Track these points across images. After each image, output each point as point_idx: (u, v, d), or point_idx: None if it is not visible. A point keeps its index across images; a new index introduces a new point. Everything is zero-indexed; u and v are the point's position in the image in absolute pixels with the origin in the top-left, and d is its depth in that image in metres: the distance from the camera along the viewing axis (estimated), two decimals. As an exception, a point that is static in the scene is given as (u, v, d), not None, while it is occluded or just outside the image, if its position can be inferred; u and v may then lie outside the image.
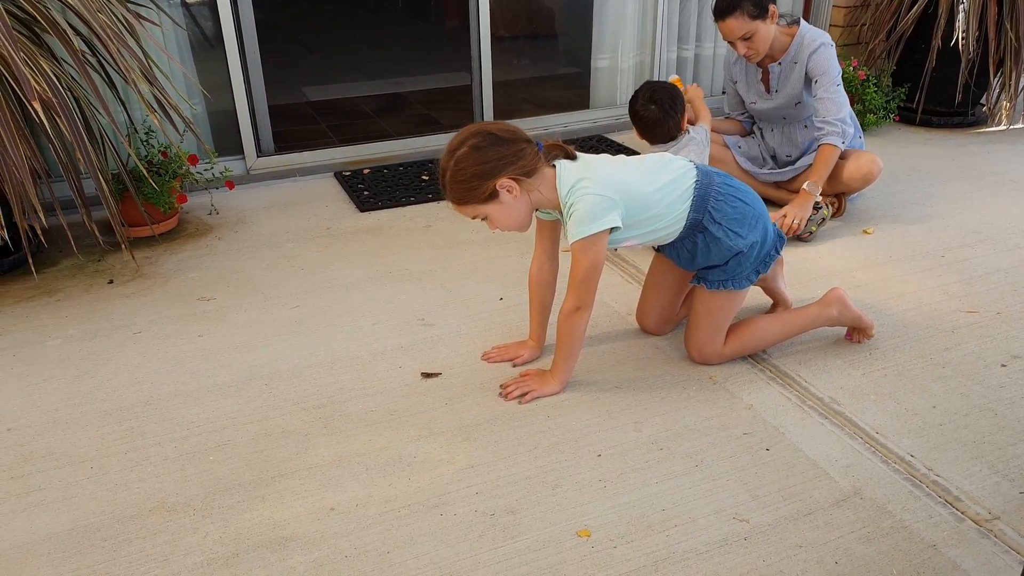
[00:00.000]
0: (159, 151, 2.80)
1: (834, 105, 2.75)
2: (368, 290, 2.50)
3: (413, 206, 3.18)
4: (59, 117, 2.33)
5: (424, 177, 3.45)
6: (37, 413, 1.94)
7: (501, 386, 1.97)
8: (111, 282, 2.59)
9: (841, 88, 2.78)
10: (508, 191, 1.78)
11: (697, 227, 1.90)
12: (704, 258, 1.95)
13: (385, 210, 3.15)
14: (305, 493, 1.66)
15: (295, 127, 4.27)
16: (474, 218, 1.85)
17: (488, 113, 3.87)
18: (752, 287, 2.04)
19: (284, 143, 3.75)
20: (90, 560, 1.50)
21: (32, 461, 1.77)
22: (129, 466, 1.75)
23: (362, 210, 3.14)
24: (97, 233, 2.55)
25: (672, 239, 1.94)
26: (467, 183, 1.76)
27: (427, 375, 2.04)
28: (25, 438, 1.85)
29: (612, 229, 1.81)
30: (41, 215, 2.25)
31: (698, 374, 2.04)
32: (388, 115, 4.49)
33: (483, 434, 1.82)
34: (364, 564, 1.48)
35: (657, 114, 2.60)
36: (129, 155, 2.77)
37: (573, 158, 1.85)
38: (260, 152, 3.53)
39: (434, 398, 1.96)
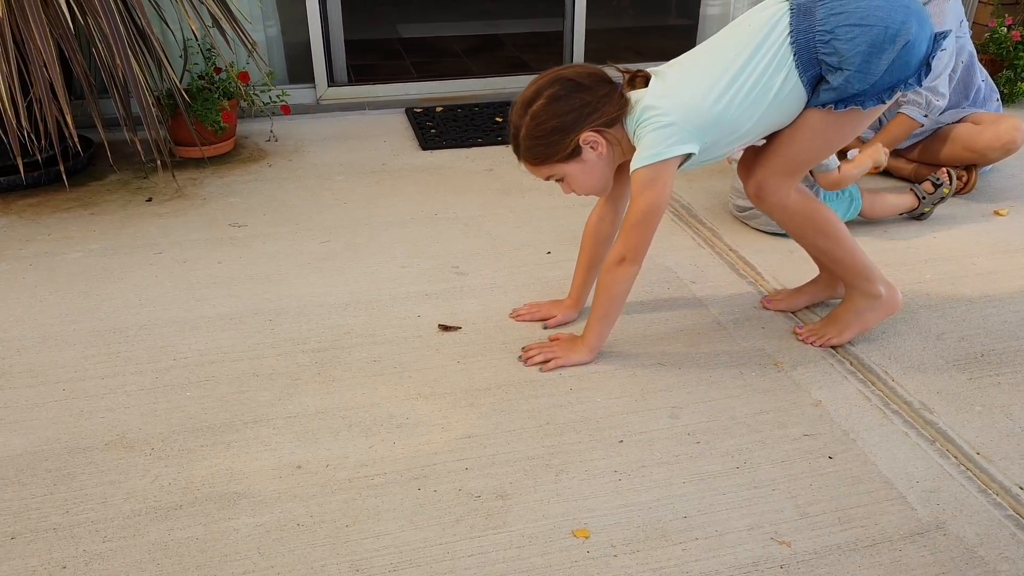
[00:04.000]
0: (212, 66, 2.64)
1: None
2: (408, 231, 2.27)
3: (479, 148, 2.93)
4: (100, 18, 2.20)
5: (498, 119, 3.19)
6: (31, 326, 1.82)
7: (523, 349, 1.71)
8: (149, 200, 2.47)
9: (947, 51, 2.29)
10: (592, 147, 1.51)
11: (820, 82, 1.48)
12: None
13: (448, 150, 2.91)
14: (275, 445, 1.46)
15: (378, 62, 4.08)
16: (548, 179, 1.59)
17: (578, 60, 3.54)
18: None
19: (361, 77, 3.55)
20: (27, 492, 1.35)
21: (7, 376, 1.65)
22: (102, 392, 1.60)
23: (424, 148, 2.91)
24: (140, 149, 2.42)
25: (798, 111, 1.52)
26: (546, 139, 1.50)
27: (445, 328, 1.80)
28: (9, 351, 1.73)
29: (687, 157, 1.50)
30: (68, 118, 2.12)
31: (760, 358, 1.70)
32: (478, 56, 4.23)
33: (491, 401, 1.57)
34: (315, 536, 1.26)
35: None
36: (184, 70, 2.63)
37: (646, 84, 1.54)
38: (332, 82, 3.35)
39: (446, 354, 1.71)
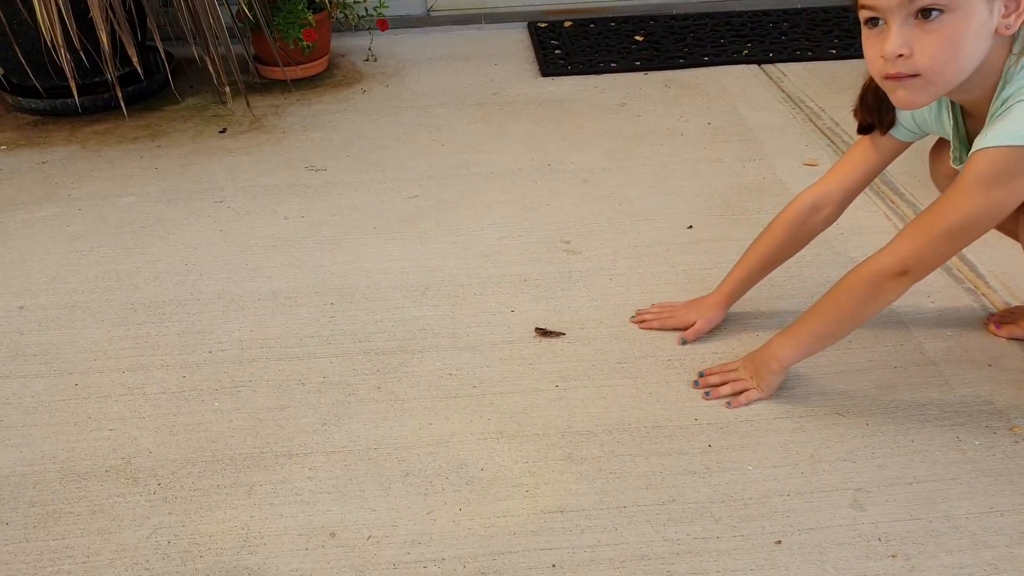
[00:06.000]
0: (294, -29, 2.25)
1: None
2: (512, 187, 1.85)
3: (611, 75, 2.42)
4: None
5: (638, 38, 2.65)
6: (60, 293, 1.54)
7: (701, 374, 1.27)
8: (223, 131, 2.15)
9: None
10: (1008, 6, 0.93)
11: None
12: None
13: (573, 76, 2.42)
14: (309, 495, 1.11)
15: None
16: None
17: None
18: None
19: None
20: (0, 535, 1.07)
21: (20, 360, 1.38)
22: (118, 392, 1.30)
23: (544, 74, 2.43)
24: (211, 70, 2.09)
25: None
26: None
27: (544, 333, 1.38)
28: (30, 325, 1.46)
29: None
30: (123, 31, 1.79)
31: (986, 416, 1.20)
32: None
33: (597, 453, 1.16)
34: (335, 660, 0.92)
35: None
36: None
37: None
38: (445, -12, 2.89)
39: (542, 373, 1.30)
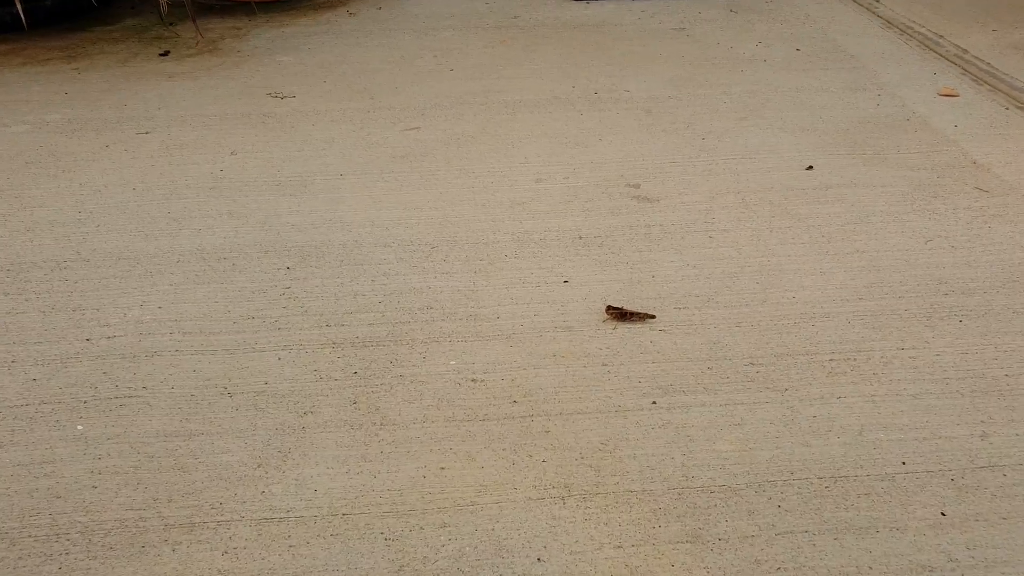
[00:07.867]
0: None
1: None
2: (550, 119, 1.34)
3: (663, -2, 1.92)
4: None
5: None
6: None
7: None
8: (165, 54, 1.64)
9: None
10: None
11: None
12: None
13: (613, 0, 1.91)
14: (217, 605, 0.60)
15: None
16: None
17: None
18: None
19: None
20: None
21: None
22: (-79, 407, 0.78)
23: (579, -4, 1.93)
24: (146, -30, 1.57)
25: None
26: None
27: (620, 315, 0.87)
28: None
29: None
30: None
31: None
32: None
33: (746, 528, 0.65)
34: None
35: None
36: None
37: None
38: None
39: (628, 380, 0.79)
